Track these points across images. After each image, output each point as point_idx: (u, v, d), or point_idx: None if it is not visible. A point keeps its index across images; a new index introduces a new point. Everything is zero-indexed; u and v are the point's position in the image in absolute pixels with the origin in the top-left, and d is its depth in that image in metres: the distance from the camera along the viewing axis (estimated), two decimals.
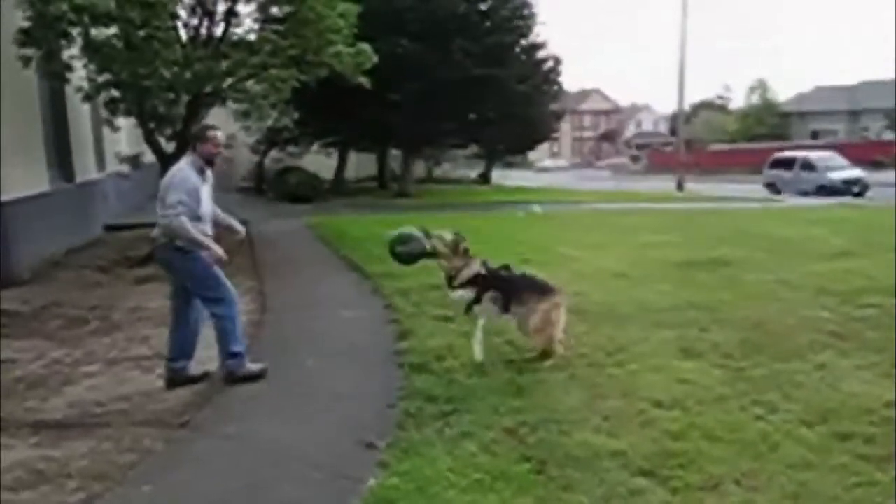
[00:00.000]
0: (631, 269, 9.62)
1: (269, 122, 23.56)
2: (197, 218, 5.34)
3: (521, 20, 25.55)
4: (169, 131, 11.96)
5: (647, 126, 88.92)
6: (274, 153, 28.47)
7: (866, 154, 40.47)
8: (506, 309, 5.75)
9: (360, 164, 34.86)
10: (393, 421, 4.59)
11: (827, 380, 5.12)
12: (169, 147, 11.81)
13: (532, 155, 62.37)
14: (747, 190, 31.03)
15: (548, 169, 67.72)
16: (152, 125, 11.29)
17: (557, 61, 29.38)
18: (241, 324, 5.78)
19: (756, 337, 6.23)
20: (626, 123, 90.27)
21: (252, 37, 12.04)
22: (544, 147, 58.56)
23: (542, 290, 5.81)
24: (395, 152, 32.18)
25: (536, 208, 19.67)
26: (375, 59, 11.67)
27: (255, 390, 5.39)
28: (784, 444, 4.07)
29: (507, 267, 5.99)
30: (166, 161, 11.52)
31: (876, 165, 38.46)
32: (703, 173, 45.30)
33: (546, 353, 5.67)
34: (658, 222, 15.98)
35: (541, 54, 28.74)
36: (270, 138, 26.63)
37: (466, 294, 5.77)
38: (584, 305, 7.39)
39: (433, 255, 5.87)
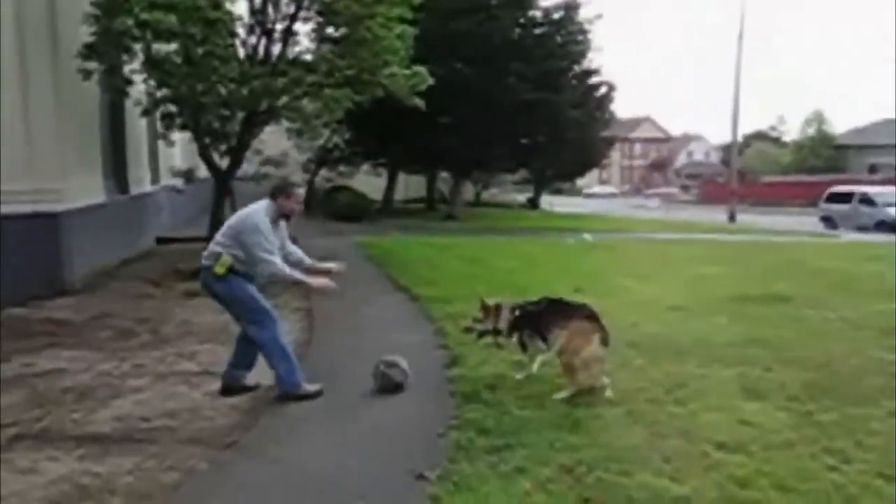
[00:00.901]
0: (686, 301, 9.35)
1: (321, 142, 23.80)
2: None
3: (575, 45, 25.42)
4: (223, 147, 12.05)
5: (699, 156, 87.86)
6: (324, 172, 28.68)
7: None
8: (544, 340, 5.68)
9: (409, 186, 35.00)
10: (443, 452, 4.43)
11: None
12: (223, 163, 11.91)
13: (580, 181, 61.97)
14: (802, 223, 30.38)
15: (596, 196, 67.20)
16: (207, 140, 11.38)
17: (611, 88, 29.24)
18: (289, 344, 5.77)
19: (822, 378, 5.93)
20: (676, 153, 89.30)
21: (308, 57, 12.09)
22: (593, 174, 58.30)
23: (563, 313, 5.66)
24: (444, 175, 32.23)
25: (587, 236, 19.43)
26: (431, 81, 11.63)
27: (303, 413, 5.28)
28: (862, 499, 3.81)
29: (539, 300, 5.91)
30: (221, 176, 11.65)
31: None
32: (755, 205, 44.52)
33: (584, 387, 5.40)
34: (711, 254, 15.64)
35: (594, 80, 28.56)
36: (321, 157, 26.87)
37: (515, 339, 5.86)
38: (640, 338, 7.19)
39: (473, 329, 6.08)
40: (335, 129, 16.67)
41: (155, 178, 15.89)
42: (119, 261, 12.06)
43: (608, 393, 5.41)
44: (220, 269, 5.42)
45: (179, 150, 16.98)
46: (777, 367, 6.26)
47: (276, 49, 11.16)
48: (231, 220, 5.62)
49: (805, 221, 31.31)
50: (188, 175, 14.24)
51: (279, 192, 5.66)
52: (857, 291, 10.26)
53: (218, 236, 5.59)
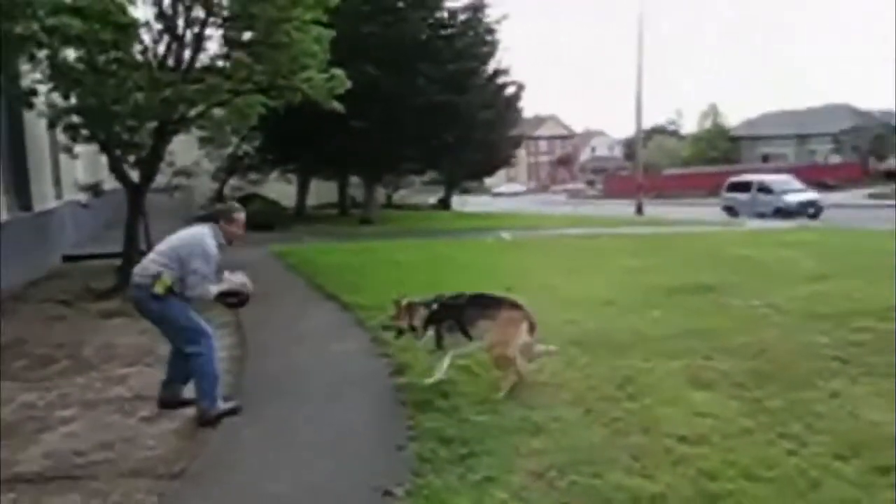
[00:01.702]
0: (617, 295, 9.45)
1: (230, 150, 23.15)
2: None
3: (483, 46, 25.57)
4: (133, 159, 11.52)
5: (602, 151, 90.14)
6: (233, 181, 27.92)
7: (815, 177, 41.39)
8: (465, 334, 5.73)
9: (320, 192, 34.46)
10: (406, 465, 4.31)
11: (846, 408, 4.99)
12: (133, 175, 11.39)
13: (488, 180, 62.53)
14: (705, 213, 31.43)
15: (504, 194, 67.98)
16: (118, 152, 10.83)
17: (520, 87, 29.53)
18: (217, 362, 5.56)
19: (761, 365, 6.08)
20: (580, 149, 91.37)
21: (220, 63, 11.67)
22: (500, 173, 58.85)
23: (490, 305, 5.73)
24: (354, 179, 31.92)
25: (505, 235, 19.54)
26: (349, 84, 11.41)
27: (252, 434, 5.04)
28: (825, 481, 3.89)
29: (457, 295, 5.94)
30: (134, 189, 11.11)
31: (824, 188, 39.32)
32: (658, 197, 45.94)
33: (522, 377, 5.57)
34: (628, 247, 15.94)
35: (503, 80, 28.80)
36: (231, 166, 26.14)
37: (430, 333, 5.84)
38: (580, 335, 7.21)
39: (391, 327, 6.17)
40: (244, 136, 16.12)
41: (58, 193, 15.07)
42: (25, 282, 11.36)
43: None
44: (159, 289, 5.22)
45: (81, 162, 16.16)
46: (717, 357, 6.37)
47: (187, 55, 10.70)
48: (174, 242, 5.40)
49: (707, 211, 32.41)
50: (95, 189, 13.53)
51: (222, 216, 5.57)
52: (774, 278, 10.60)
53: (155, 255, 5.39)
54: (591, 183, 72.04)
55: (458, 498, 3.80)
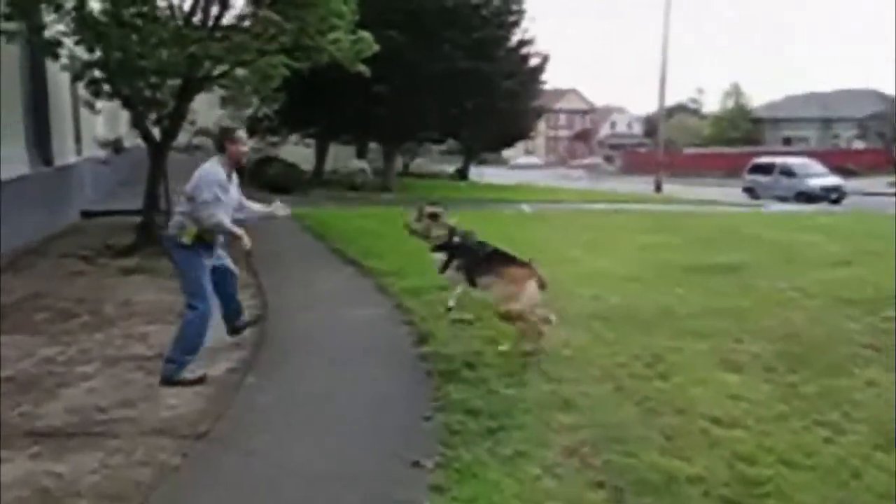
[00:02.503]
0: (639, 271, 9.32)
1: (251, 111, 22.97)
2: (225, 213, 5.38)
3: (509, 14, 25.19)
4: (154, 116, 11.40)
5: (622, 127, 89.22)
6: (252, 143, 27.72)
7: (837, 161, 40.74)
8: (472, 281, 5.86)
9: (338, 157, 34.27)
10: (433, 436, 4.22)
11: (883, 397, 4.86)
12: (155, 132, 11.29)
13: (506, 153, 62.11)
14: (724, 193, 31.09)
15: (522, 167, 67.49)
16: (141, 109, 10.71)
17: (545, 59, 29.08)
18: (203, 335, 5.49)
19: (793, 349, 5.94)
20: (600, 124, 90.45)
21: (246, 21, 11.47)
22: (518, 145, 58.43)
23: (499, 262, 5.81)
24: (373, 145, 31.71)
25: (525, 207, 19.38)
26: (376, 47, 11.22)
27: (274, 399, 4.96)
28: (866, 472, 3.77)
29: (482, 243, 6.06)
30: (155, 147, 11.02)
31: (846, 173, 38.73)
32: (676, 175, 45.46)
33: (531, 332, 5.63)
34: (648, 223, 15.76)
35: (528, 50, 28.39)
36: (251, 127, 25.95)
37: (441, 256, 6.03)
38: (605, 310, 7.12)
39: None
40: (266, 97, 15.93)
41: (79, 149, 14.99)
42: (45, 236, 11.32)
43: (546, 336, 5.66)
44: (186, 238, 5.29)
45: (102, 119, 16.07)
46: (746, 338, 6.25)
47: (213, 13, 10.52)
48: (187, 186, 5.37)
49: (727, 192, 32.03)
50: (117, 145, 13.43)
51: (224, 136, 5.49)
52: (799, 261, 10.41)
53: (179, 206, 5.48)
54: (609, 159, 71.41)
55: (489, 472, 3.71)
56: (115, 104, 12.46)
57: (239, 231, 5.44)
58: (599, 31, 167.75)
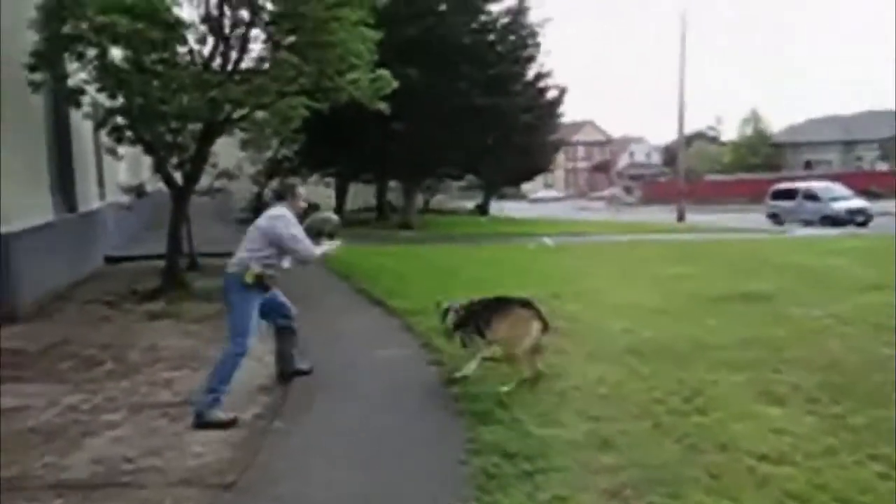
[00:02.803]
0: (667, 303, 9.16)
1: (270, 153, 23.14)
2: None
3: (525, 49, 25.31)
4: (176, 160, 11.47)
5: (640, 157, 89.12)
6: (273, 184, 27.94)
7: (861, 184, 40.29)
8: (482, 336, 5.92)
9: (357, 195, 34.44)
10: (469, 480, 4.07)
11: None
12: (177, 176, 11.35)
13: (525, 186, 62.13)
14: (748, 220, 30.86)
15: (542, 200, 67.47)
16: (163, 153, 10.78)
17: (562, 91, 29.11)
18: (233, 374, 5.58)
19: (833, 379, 5.74)
20: (618, 155, 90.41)
21: (265, 65, 11.55)
22: (537, 178, 58.47)
23: (502, 305, 5.98)
24: (392, 183, 31.82)
25: (548, 241, 19.25)
26: (395, 84, 11.25)
27: (304, 443, 4.84)
28: None
29: (485, 298, 6.22)
30: (178, 191, 11.05)
31: (871, 196, 38.25)
32: (698, 203, 45.18)
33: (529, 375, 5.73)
34: (674, 253, 15.60)
35: (545, 83, 28.45)
36: (271, 169, 26.14)
37: (461, 334, 6.15)
38: (638, 344, 6.96)
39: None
40: (285, 139, 16.02)
41: (102, 194, 15.11)
42: (69, 283, 11.34)
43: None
44: (248, 279, 5.52)
45: (124, 164, 16.22)
46: (784, 369, 6.07)
47: (232, 57, 10.61)
48: (260, 228, 5.72)
49: (750, 218, 31.78)
50: (139, 190, 13.54)
51: (287, 192, 5.99)
52: (830, 286, 10.21)
53: (245, 245, 5.71)
54: (628, 189, 71.17)
55: None
56: (137, 150, 12.56)
57: (325, 249, 6.03)
58: (615, 62, 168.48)
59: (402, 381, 6.23)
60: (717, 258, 14.36)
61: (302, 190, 6.11)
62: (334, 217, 6.70)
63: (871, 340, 7.01)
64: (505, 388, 5.56)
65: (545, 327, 5.85)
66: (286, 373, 6.37)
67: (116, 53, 9.29)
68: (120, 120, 10.36)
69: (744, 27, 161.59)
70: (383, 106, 11.45)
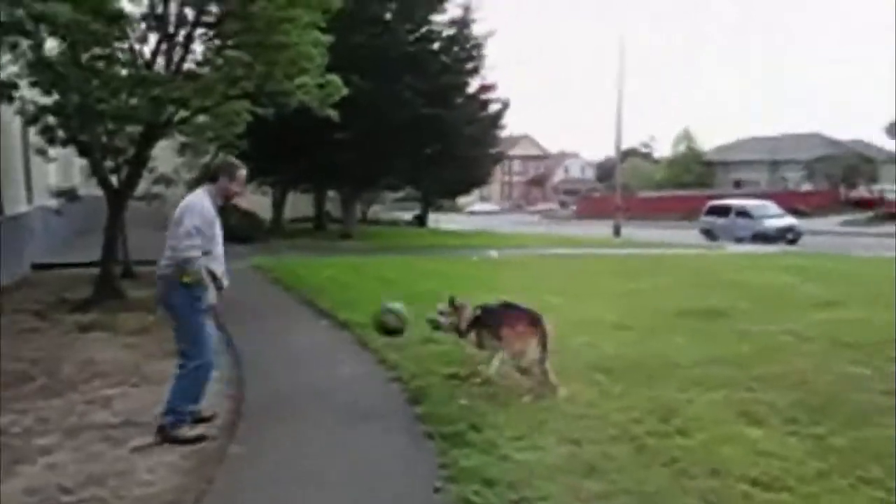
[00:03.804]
0: (627, 319, 9.00)
1: (207, 159, 22.42)
2: (208, 253, 4.90)
3: (470, 61, 25.20)
4: (112, 164, 10.87)
5: (575, 172, 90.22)
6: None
7: (787, 203, 41.46)
8: (498, 339, 5.91)
9: (294, 205, 33.74)
10: None
11: None
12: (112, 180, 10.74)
13: (461, 199, 62.12)
14: (682, 236, 31.31)
15: (479, 213, 67.58)
16: (98, 156, 10.17)
17: (505, 105, 29.04)
18: (203, 388, 5.17)
19: (808, 398, 5.65)
20: (553, 169, 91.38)
21: (207, 67, 11.03)
22: (474, 191, 58.48)
23: (512, 315, 5.97)
24: (330, 193, 31.31)
25: (493, 253, 19.08)
26: (345, 90, 10.90)
27: (260, 472, 4.44)
28: None
29: (500, 303, 6.24)
30: (114, 196, 10.46)
31: (796, 214, 39.37)
32: (631, 219, 45.84)
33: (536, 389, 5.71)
34: (619, 268, 15.59)
35: (488, 96, 28.33)
36: (205, 175, 25.35)
37: (472, 337, 6.12)
38: (602, 360, 6.76)
39: (438, 327, 6.39)
40: (226, 145, 15.46)
41: (30, 198, 14.27)
42: None
43: (562, 392, 5.63)
44: (187, 278, 4.84)
45: (54, 166, 15.41)
46: (757, 388, 5.95)
47: (176, 56, 10.09)
48: (175, 216, 4.95)
49: (684, 234, 32.30)
50: (71, 194, 12.80)
51: (224, 172, 5.15)
52: (784, 304, 10.24)
53: (171, 240, 4.92)
54: (563, 204, 71.96)
55: None
56: (69, 152, 11.89)
57: (206, 281, 4.94)
58: (552, 77, 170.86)
59: (363, 400, 5.86)
60: (666, 274, 14.36)
61: (243, 172, 5.20)
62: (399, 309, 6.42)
63: (835, 358, 6.98)
64: (526, 399, 5.56)
65: (544, 345, 5.80)
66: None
67: (51, 46, 8.68)
68: (52, 119, 9.73)
69: (675, 47, 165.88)
70: (333, 113, 11.08)
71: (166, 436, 4.91)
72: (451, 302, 6.22)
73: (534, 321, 5.86)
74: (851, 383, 6.08)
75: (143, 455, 4.80)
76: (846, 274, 14.20)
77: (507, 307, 6.11)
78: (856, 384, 6.05)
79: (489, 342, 5.98)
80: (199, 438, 4.96)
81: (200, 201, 4.95)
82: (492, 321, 5.98)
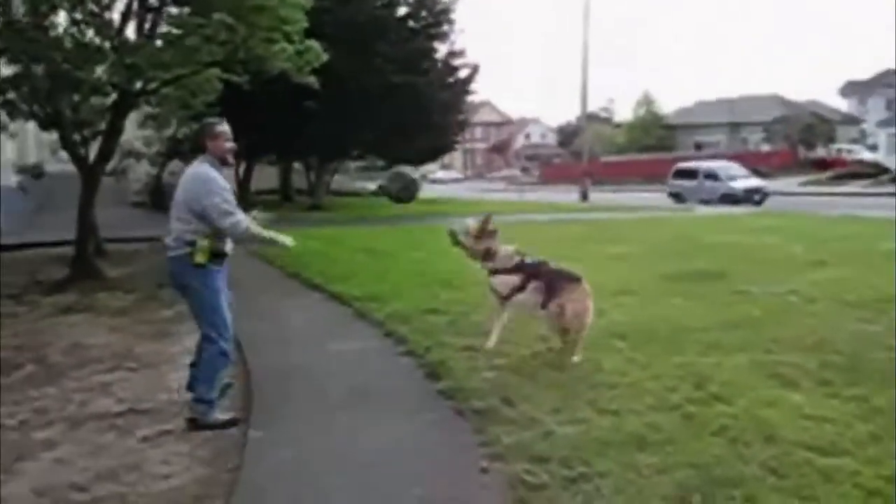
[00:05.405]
0: (625, 284, 8.83)
1: (170, 132, 21.73)
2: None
3: (439, 27, 24.68)
4: (78, 137, 10.34)
5: (536, 138, 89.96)
6: (173, 165, 26.32)
7: (747, 164, 41.79)
8: (544, 302, 5.56)
9: (260, 176, 33.00)
10: (499, 491, 3.55)
11: None
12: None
13: (423, 167, 61.49)
14: (650, 199, 31.38)
15: (443, 181, 67.11)
16: (67, 130, 9.63)
17: (475, 69, 28.51)
18: (216, 376, 4.84)
19: (832, 358, 5.53)
20: (515, 135, 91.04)
21: (178, 30, 10.48)
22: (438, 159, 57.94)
23: (572, 279, 5.72)
24: (296, 164, 30.72)
25: (470, 221, 18.74)
26: (325, 57, 10.48)
27: (287, 458, 4.15)
28: None
29: (537, 262, 5.79)
30: (88, 170, 9.96)
31: (757, 175, 39.71)
32: (596, 184, 45.86)
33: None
34: (602, 233, 15.49)
35: (458, 62, 27.80)
36: (172, 149, 24.54)
37: (511, 280, 5.58)
38: (616, 327, 6.57)
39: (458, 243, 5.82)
40: (195, 115, 14.92)
41: None
42: None
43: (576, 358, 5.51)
44: (200, 258, 4.58)
45: (12, 143, 14.74)
46: (777, 350, 5.83)
47: (148, 20, 9.56)
48: (181, 196, 4.65)
49: (651, 197, 32.39)
50: (36, 171, 12.20)
51: (203, 135, 4.83)
52: (777, 264, 10.23)
53: (176, 221, 4.65)
54: (526, 170, 71.85)
55: None
56: (22, 126, 11.28)
57: (274, 234, 4.95)
58: (511, 42, 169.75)
59: (378, 378, 5.60)
60: (648, 237, 14.28)
61: (224, 127, 4.83)
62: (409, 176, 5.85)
63: (843, 317, 6.95)
64: (576, 358, 5.49)
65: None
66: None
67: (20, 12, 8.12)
68: (13, 94, 9.15)
69: (632, 9, 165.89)
70: (312, 79, 10.66)
71: (204, 424, 4.67)
72: (486, 222, 5.70)
73: (584, 283, 5.71)
74: (869, 342, 6.00)
75: (154, 445, 4.51)
76: (822, 234, 14.27)
77: (558, 270, 5.80)
78: (873, 342, 5.98)
79: (535, 296, 5.56)
80: (231, 422, 4.72)
81: (207, 178, 4.62)
82: (549, 276, 5.61)
